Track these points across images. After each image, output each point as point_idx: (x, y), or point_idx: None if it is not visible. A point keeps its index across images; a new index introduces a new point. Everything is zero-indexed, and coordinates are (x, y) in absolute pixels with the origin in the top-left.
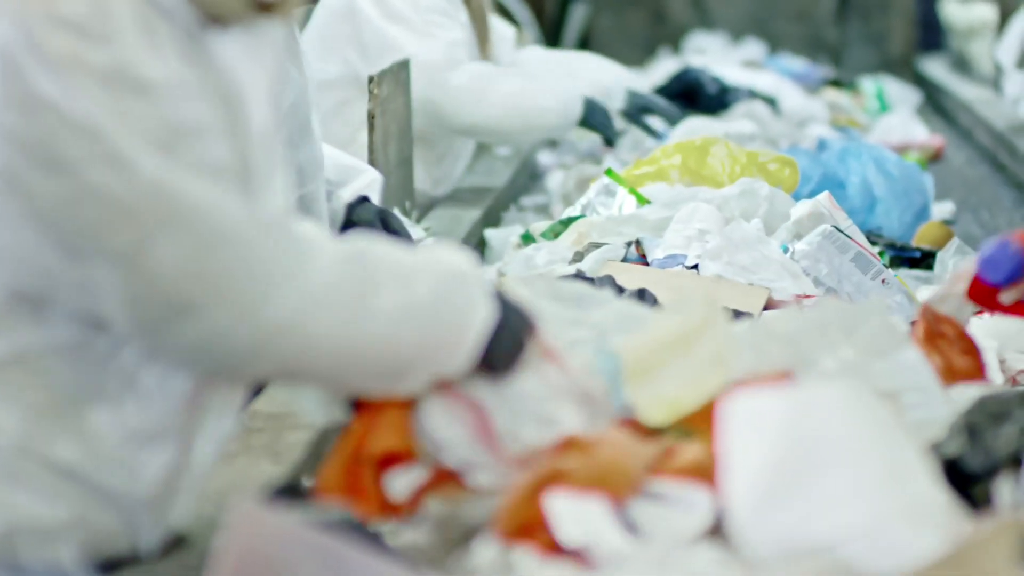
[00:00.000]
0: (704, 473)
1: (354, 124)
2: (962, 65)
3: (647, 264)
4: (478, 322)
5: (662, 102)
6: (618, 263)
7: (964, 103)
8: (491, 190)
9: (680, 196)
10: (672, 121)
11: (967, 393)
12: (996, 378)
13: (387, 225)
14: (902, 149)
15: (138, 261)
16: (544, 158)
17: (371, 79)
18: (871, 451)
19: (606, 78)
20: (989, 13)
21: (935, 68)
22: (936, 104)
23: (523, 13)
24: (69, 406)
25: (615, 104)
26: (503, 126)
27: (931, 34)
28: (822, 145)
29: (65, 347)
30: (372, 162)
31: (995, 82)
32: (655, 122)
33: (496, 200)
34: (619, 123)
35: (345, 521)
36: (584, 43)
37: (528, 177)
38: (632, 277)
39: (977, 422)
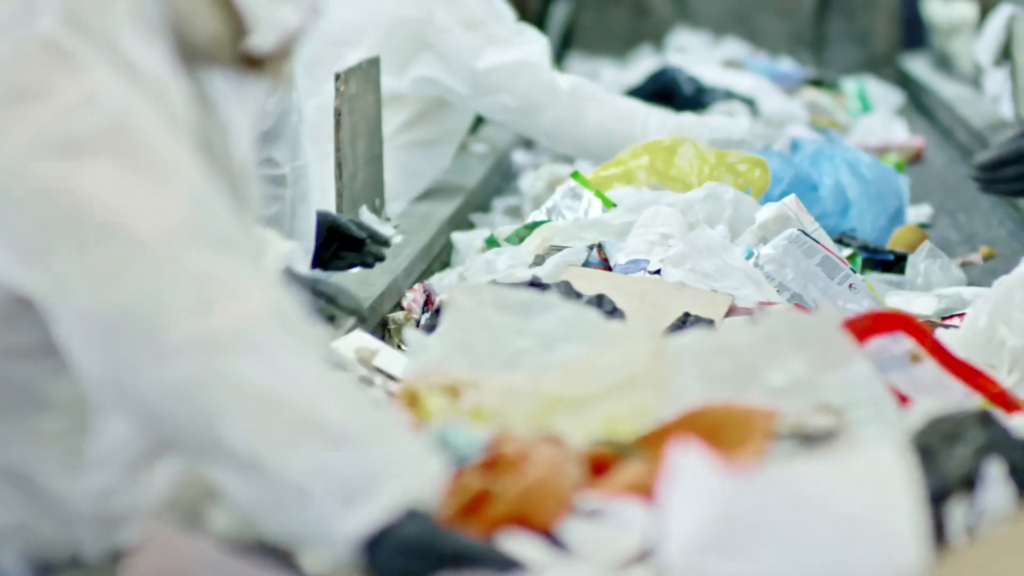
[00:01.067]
0: (643, 490)
1: None
2: (944, 63)
3: (609, 269)
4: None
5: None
6: (578, 268)
7: (944, 101)
8: (464, 189)
9: (644, 200)
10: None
11: (920, 411)
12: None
13: (343, 233)
14: (882, 150)
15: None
16: (519, 157)
17: (337, 76)
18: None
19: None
20: (969, 11)
21: (918, 66)
22: (919, 103)
23: (506, 9)
24: (21, 410)
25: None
26: (587, 144)
27: (914, 32)
28: (795, 146)
29: (20, 350)
30: (339, 160)
31: (975, 80)
32: None
33: (467, 199)
34: None
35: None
36: (566, 40)
37: (502, 177)
38: (592, 283)
39: (929, 443)
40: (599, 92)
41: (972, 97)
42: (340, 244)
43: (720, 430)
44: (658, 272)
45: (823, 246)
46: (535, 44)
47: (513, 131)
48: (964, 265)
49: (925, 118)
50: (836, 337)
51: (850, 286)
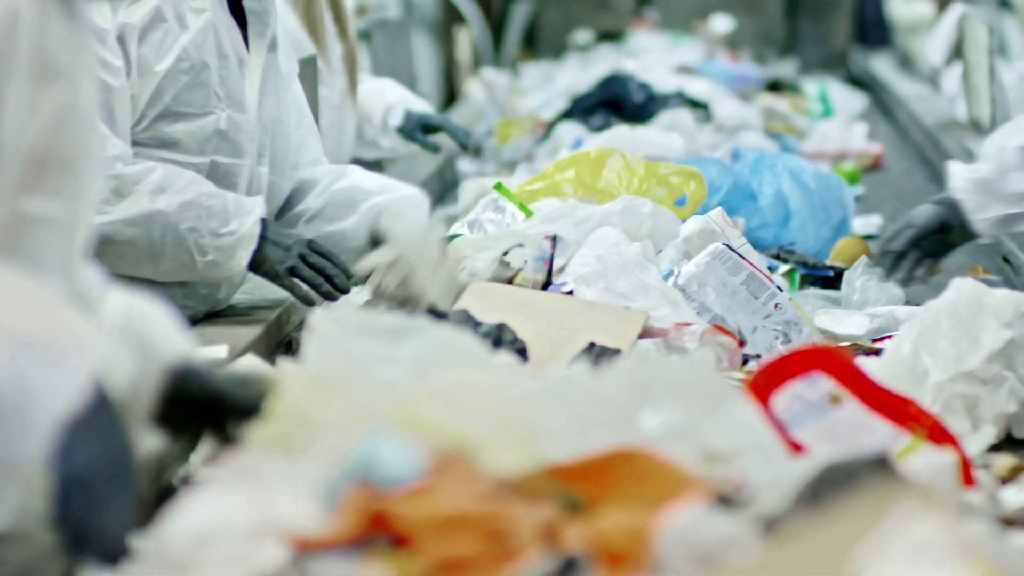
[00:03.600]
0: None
1: None
2: (906, 62)
3: (551, 267)
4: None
5: (446, 122)
6: (484, 284)
7: (902, 100)
8: None
9: (559, 211)
10: (460, 139)
11: (816, 458)
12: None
13: None
14: (838, 157)
15: None
16: (464, 166)
17: None
18: None
19: (390, 97)
20: (927, 9)
21: (880, 65)
22: (881, 103)
23: (469, 8)
24: None
25: (393, 122)
26: None
27: (878, 31)
28: (736, 155)
29: None
30: None
31: (933, 79)
32: (437, 138)
33: None
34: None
35: None
36: (530, 37)
37: (445, 186)
38: (497, 302)
39: (823, 491)
40: None
41: (928, 96)
42: None
43: (645, 480)
44: (571, 293)
45: (749, 262)
46: None
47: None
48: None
49: (887, 120)
50: (714, 381)
51: (776, 306)
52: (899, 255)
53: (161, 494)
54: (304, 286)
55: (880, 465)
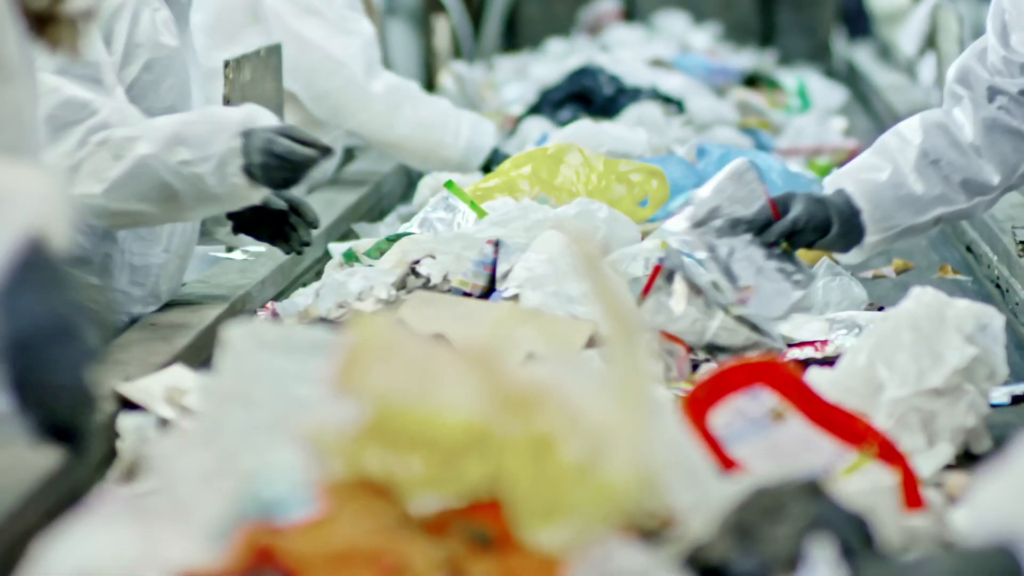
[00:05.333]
0: None
1: None
2: (885, 52)
3: (494, 272)
4: None
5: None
6: (424, 294)
7: (878, 90)
8: (368, 181)
9: (511, 213)
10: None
11: (745, 483)
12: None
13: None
14: (814, 153)
15: None
16: None
17: (227, 63)
18: None
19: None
20: None
21: (860, 56)
22: (861, 94)
23: None
24: None
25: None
26: (405, 148)
27: (859, 21)
28: (701, 151)
29: None
30: None
31: (910, 68)
32: None
33: (356, 206)
34: None
35: None
36: (510, 28)
37: (410, 182)
38: (437, 313)
39: (749, 520)
40: (414, 94)
41: (905, 86)
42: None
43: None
44: (516, 297)
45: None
46: (354, 38)
47: None
48: (876, 278)
49: (867, 113)
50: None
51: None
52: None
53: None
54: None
55: (811, 490)
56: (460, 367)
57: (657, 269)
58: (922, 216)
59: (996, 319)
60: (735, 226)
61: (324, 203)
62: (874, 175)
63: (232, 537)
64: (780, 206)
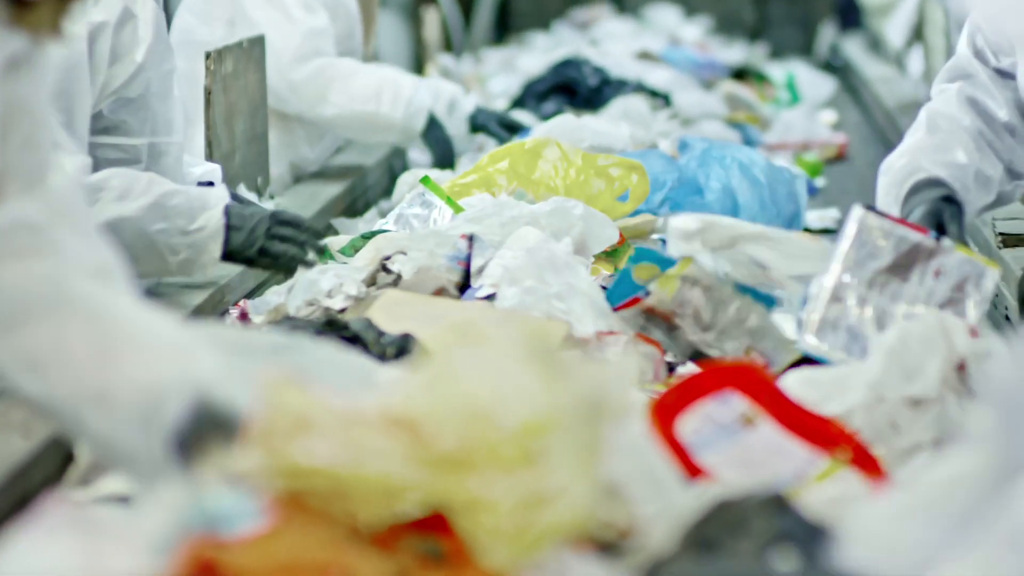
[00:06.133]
0: None
1: None
2: (876, 44)
3: (468, 267)
4: None
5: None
6: (396, 294)
7: (867, 82)
8: (353, 173)
9: (486, 210)
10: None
11: (708, 494)
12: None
13: None
14: (802, 148)
15: None
16: (415, 155)
17: (208, 55)
18: None
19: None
20: None
21: (852, 48)
22: (851, 86)
23: None
24: None
25: (464, 112)
26: (343, 128)
27: (851, 14)
28: (683, 145)
29: None
30: (209, 138)
31: (899, 60)
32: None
33: (349, 189)
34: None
35: None
36: (501, 21)
37: (392, 176)
38: (410, 313)
39: (712, 534)
40: (345, 71)
41: (893, 77)
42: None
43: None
44: (491, 296)
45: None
46: (295, 26)
47: None
48: None
49: (857, 106)
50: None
51: (936, 274)
52: None
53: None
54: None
55: (775, 504)
56: (382, 434)
57: None
58: (989, 197)
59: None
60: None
61: (307, 195)
62: (953, 157)
63: (176, 550)
64: (923, 221)
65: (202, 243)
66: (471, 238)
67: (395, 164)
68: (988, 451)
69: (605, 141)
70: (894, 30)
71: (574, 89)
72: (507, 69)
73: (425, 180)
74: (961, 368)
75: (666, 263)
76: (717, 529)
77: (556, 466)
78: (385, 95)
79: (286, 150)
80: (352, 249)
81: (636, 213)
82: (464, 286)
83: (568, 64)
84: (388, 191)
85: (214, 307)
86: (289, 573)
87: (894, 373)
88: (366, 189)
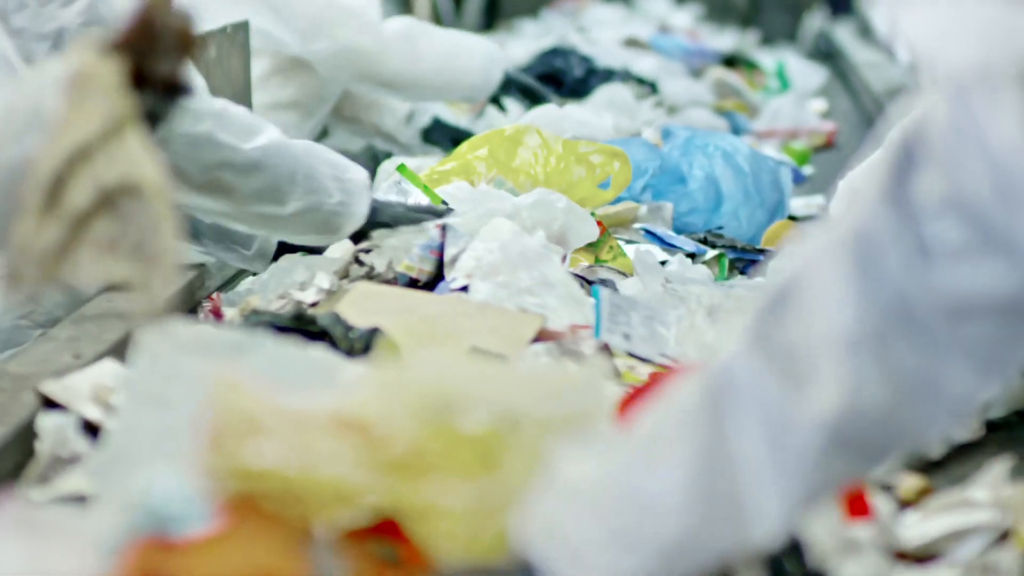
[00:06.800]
0: None
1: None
2: (866, 30)
3: (441, 256)
4: None
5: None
6: (368, 286)
7: (856, 68)
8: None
9: (465, 201)
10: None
11: None
12: None
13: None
14: (790, 136)
15: None
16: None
17: None
18: None
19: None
20: None
21: (843, 34)
22: (841, 73)
23: None
24: None
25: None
26: (429, 81)
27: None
28: (666, 133)
29: None
30: None
31: (889, 46)
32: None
33: None
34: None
35: None
36: (491, 6)
37: (377, 163)
38: (385, 303)
39: None
40: (429, 28)
41: (882, 63)
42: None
43: None
44: (465, 288)
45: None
46: None
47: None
48: None
49: (847, 93)
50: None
51: None
52: None
53: None
54: None
55: None
56: (333, 436)
57: None
58: None
59: None
60: None
61: None
62: None
63: (123, 552)
64: None
65: (355, 191)
66: (444, 227)
67: (379, 152)
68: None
69: (588, 131)
70: (880, 16)
71: (560, 79)
72: None
73: (401, 168)
74: None
75: None
76: None
77: (513, 472)
78: (463, 52)
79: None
80: None
81: (618, 201)
82: (437, 277)
83: (555, 53)
84: (372, 177)
85: (192, 293)
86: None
87: None
88: None
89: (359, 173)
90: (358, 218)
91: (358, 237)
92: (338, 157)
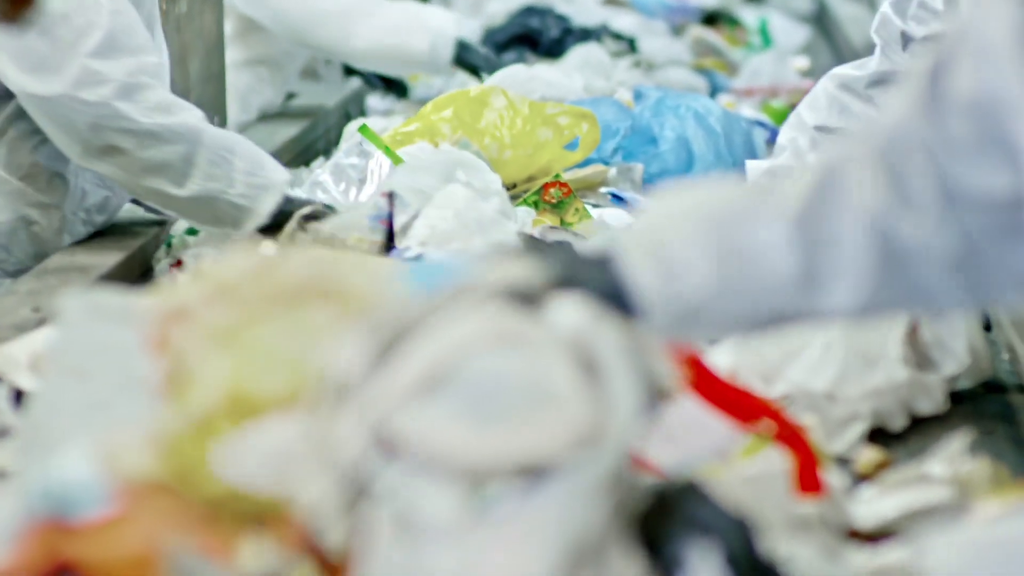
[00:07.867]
0: None
1: None
2: None
3: (390, 226)
4: None
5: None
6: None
7: (838, 23)
8: (312, 115)
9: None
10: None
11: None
12: None
13: None
14: (770, 94)
15: None
16: (373, 102)
17: None
18: None
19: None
20: None
21: None
22: (825, 30)
23: None
24: None
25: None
26: (363, 57)
27: None
28: (638, 94)
29: None
30: None
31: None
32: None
33: (306, 130)
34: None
35: None
36: None
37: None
38: None
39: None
40: (379, 6)
41: (865, 17)
42: None
43: None
44: (419, 257)
45: None
46: None
47: None
48: None
49: (832, 51)
50: None
51: None
52: None
53: None
54: None
55: (691, 492)
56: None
57: None
58: None
59: None
60: None
61: (265, 134)
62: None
63: (23, 537)
64: None
65: (260, 188)
66: (391, 195)
67: (351, 110)
68: None
69: (557, 92)
70: None
71: (536, 39)
72: (476, 12)
73: (363, 129)
74: (913, 334)
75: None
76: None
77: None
78: (413, 28)
79: (255, 96)
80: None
81: (587, 163)
82: (388, 247)
83: (530, 12)
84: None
85: (156, 245)
86: (143, 564)
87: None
88: (328, 129)
89: (277, 173)
90: (259, 215)
91: (269, 232)
92: (262, 155)
